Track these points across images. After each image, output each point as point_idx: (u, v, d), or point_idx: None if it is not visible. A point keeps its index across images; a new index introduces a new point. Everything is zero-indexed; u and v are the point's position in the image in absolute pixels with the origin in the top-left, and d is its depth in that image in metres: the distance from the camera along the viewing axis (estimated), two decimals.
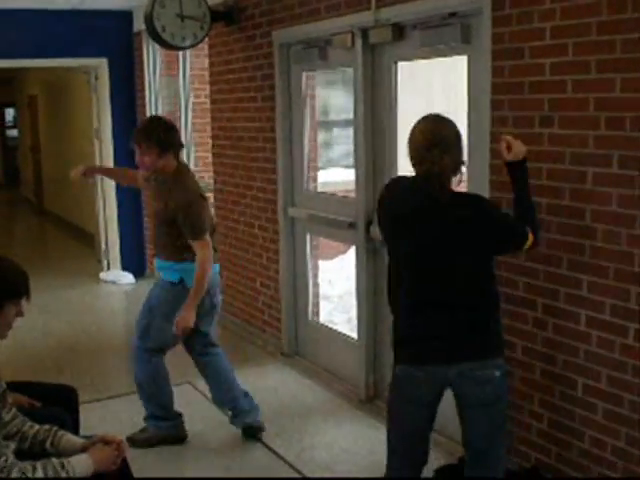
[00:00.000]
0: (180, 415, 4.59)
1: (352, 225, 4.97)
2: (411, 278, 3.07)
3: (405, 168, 4.36)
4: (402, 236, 3.07)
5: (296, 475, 4.15)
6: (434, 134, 2.96)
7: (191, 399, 5.09)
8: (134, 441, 4.42)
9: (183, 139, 7.38)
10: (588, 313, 3.39)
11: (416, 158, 3.00)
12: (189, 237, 4.20)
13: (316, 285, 5.90)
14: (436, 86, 6.80)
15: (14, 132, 19.64)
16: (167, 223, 4.26)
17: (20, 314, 2.81)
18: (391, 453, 3.22)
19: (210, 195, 7.24)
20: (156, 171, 4.34)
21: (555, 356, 3.59)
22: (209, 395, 4.74)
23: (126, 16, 8.31)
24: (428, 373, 3.03)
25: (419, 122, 3.04)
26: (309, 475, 4.14)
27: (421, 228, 3.01)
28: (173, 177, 4.29)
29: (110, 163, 8.56)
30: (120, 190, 8.63)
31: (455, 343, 3.01)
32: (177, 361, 4.74)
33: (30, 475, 2.55)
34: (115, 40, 8.34)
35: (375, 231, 4.49)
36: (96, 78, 8.55)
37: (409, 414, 3.12)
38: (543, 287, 3.59)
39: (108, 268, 8.86)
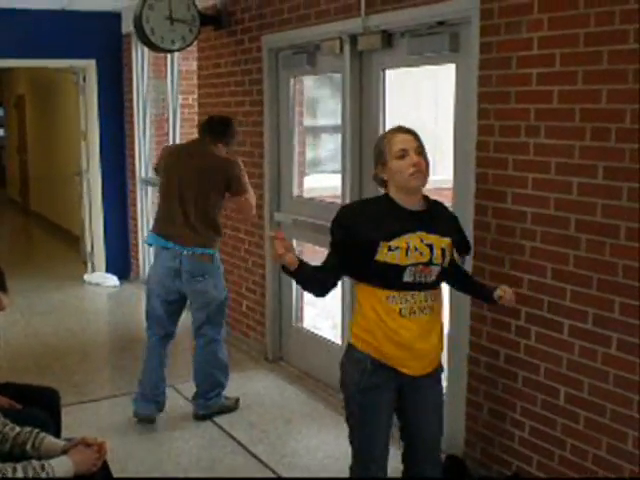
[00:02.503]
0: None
1: None
2: None
3: None
4: None
5: None
6: None
7: (171, 402, 5.09)
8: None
9: (170, 142, 7.39)
10: (571, 322, 3.41)
11: None
12: None
13: (300, 290, 5.88)
14: (424, 94, 6.83)
15: (0, 132, 19.55)
16: None
17: (0, 308, 2.81)
18: None
19: None
20: None
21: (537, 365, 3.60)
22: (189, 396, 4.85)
23: (115, 18, 8.28)
24: None
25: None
26: None
27: None
28: None
29: (96, 164, 8.53)
30: (106, 192, 8.61)
31: None
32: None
33: (10, 477, 2.54)
34: (103, 42, 8.32)
35: None
36: (84, 79, 8.53)
37: None
38: (527, 296, 3.61)
39: (93, 270, 8.82)
